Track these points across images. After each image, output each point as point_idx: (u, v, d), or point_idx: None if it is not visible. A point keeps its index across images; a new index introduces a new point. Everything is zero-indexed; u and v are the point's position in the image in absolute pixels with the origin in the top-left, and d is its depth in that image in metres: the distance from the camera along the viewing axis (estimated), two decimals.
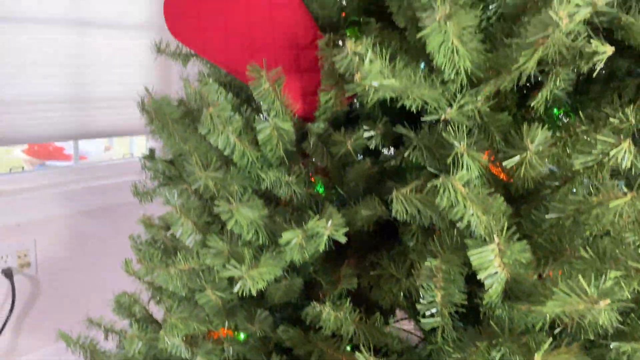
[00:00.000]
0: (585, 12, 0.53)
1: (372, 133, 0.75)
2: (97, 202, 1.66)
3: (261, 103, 0.77)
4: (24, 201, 1.53)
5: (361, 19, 0.94)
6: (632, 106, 0.61)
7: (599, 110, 0.70)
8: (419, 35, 0.52)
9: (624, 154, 0.53)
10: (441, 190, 0.52)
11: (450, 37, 0.52)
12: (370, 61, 0.52)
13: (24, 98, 1.47)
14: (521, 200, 0.66)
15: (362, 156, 0.81)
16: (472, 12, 0.66)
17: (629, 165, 0.54)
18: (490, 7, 0.70)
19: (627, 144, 0.53)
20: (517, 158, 0.56)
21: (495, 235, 0.49)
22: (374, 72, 0.51)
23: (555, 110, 0.79)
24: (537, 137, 0.55)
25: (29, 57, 1.45)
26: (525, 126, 0.56)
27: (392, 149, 0.86)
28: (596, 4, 0.53)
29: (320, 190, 0.89)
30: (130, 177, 1.75)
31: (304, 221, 0.74)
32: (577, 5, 0.52)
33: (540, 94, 0.65)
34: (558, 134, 0.65)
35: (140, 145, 2.11)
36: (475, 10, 0.69)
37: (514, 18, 0.63)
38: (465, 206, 0.52)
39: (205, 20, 0.82)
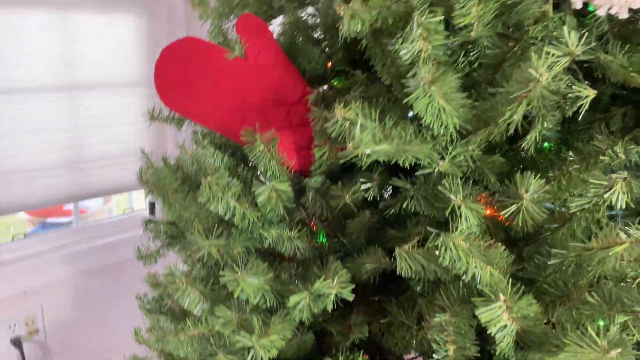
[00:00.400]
0: (564, 62, 0.55)
1: (369, 185, 0.76)
2: (100, 261, 1.66)
3: (258, 164, 0.78)
4: (28, 267, 1.53)
5: (347, 69, 0.96)
6: (620, 142, 0.62)
7: (588, 142, 0.71)
8: (404, 100, 0.53)
9: (617, 195, 0.54)
10: (442, 249, 0.53)
11: (436, 98, 0.54)
12: (361, 128, 0.54)
13: (22, 167, 1.48)
14: (523, 242, 0.67)
15: (361, 204, 0.82)
16: (455, 70, 0.68)
17: (623, 205, 0.55)
18: (472, 53, 0.72)
19: (619, 186, 0.54)
20: (513, 207, 0.57)
21: (500, 294, 0.49)
22: (365, 140, 0.52)
23: (545, 144, 0.80)
24: (532, 186, 0.56)
25: (23, 126, 1.47)
26: (518, 175, 0.57)
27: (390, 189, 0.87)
28: (574, 52, 0.55)
29: (324, 240, 0.90)
30: (132, 233, 1.76)
31: (310, 276, 0.75)
32: (557, 56, 0.54)
33: (529, 136, 0.66)
34: (551, 173, 0.66)
35: (140, 197, 2.12)
36: (457, 59, 0.72)
37: (494, 66, 0.65)
38: (467, 262, 0.53)
39: (195, 86, 0.84)
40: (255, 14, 0.93)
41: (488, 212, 0.71)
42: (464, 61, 0.73)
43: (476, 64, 0.71)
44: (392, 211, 0.77)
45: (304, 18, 0.97)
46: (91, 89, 1.58)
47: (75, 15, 1.50)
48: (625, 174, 0.74)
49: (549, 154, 0.79)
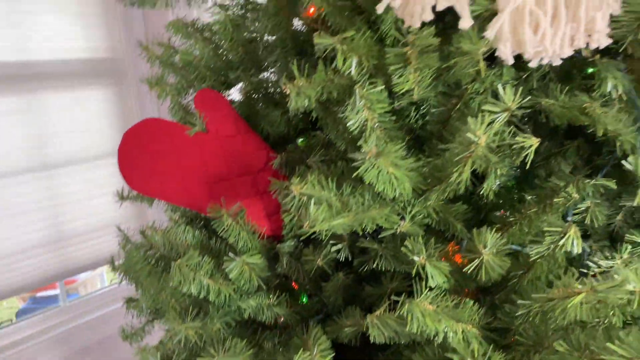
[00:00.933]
0: (503, 118, 0.57)
1: (339, 246, 0.76)
2: (92, 337, 1.63)
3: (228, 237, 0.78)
4: (18, 355, 1.50)
5: (309, 127, 0.98)
6: (572, 184, 0.63)
7: (547, 178, 0.73)
8: (353, 175, 0.55)
9: (572, 240, 0.55)
10: (409, 318, 0.53)
11: (384, 168, 0.55)
12: (316, 205, 0.55)
13: (3, 251, 1.47)
14: (494, 289, 0.68)
15: (336, 263, 0.83)
16: (407, 127, 0.70)
17: (579, 250, 0.56)
18: (422, 107, 0.74)
19: (573, 231, 0.55)
20: (475, 262, 0.58)
21: (468, 359, 0.50)
22: (321, 218, 0.53)
23: (508, 182, 0.82)
24: (489, 241, 0.57)
25: (1, 211, 1.47)
26: (475, 231, 0.58)
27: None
28: (511, 108, 0.57)
29: (305, 300, 0.90)
30: (121, 304, 1.73)
31: (293, 343, 0.74)
32: (495, 113, 0.56)
33: (485, 184, 0.68)
34: (512, 217, 0.68)
35: None
36: (409, 114, 0.74)
37: (442, 122, 0.67)
38: (436, 327, 0.53)
39: (160, 166, 0.85)
40: (212, 87, 0.95)
41: (458, 260, 0.72)
42: (415, 115, 0.75)
43: (427, 117, 0.73)
44: (366, 268, 0.78)
45: (261, 82, 0.99)
46: (66, 165, 1.58)
47: (44, 96, 1.52)
48: (588, 203, 0.76)
49: (512, 193, 0.81)
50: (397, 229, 0.63)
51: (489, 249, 0.57)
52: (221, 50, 1.02)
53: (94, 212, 1.64)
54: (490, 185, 0.67)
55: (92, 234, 1.64)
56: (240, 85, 1.00)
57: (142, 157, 0.84)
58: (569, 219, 0.75)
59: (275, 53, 0.97)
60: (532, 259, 0.60)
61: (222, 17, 0.89)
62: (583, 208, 0.75)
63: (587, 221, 0.75)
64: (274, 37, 0.99)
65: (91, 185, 1.64)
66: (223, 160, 0.87)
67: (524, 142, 0.59)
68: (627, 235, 0.76)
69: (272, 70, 1.00)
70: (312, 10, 0.82)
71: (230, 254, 0.72)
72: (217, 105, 0.90)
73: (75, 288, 3.38)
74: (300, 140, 1.00)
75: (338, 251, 0.77)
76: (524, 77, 0.72)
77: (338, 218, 0.55)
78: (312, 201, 0.54)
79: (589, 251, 0.76)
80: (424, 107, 0.74)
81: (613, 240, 0.82)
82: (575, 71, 0.76)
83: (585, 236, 0.80)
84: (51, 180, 1.55)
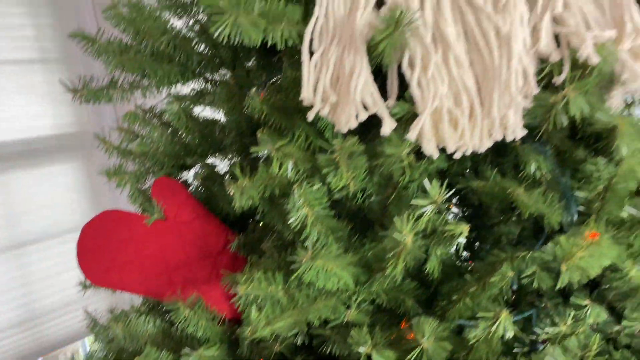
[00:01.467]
0: (431, 210, 0.60)
1: (296, 330, 0.78)
2: None
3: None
4: None
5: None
6: (507, 262, 0.66)
7: (492, 248, 0.77)
8: (292, 278, 0.57)
9: (504, 326, 0.58)
10: None
11: (323, 266, 0.58)
12: (258, 311, 0.57)
13: None
14: None
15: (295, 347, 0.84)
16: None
17: (511, 335, 0.59)
18: (367, 189, 0.78)
19: (504, 316, 0.58)
20: (417, 350, 0.60)
21: None
22: (263, 323, 0.56)
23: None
24: (426, 330, 0.59)
25: None
26: (414, 320, 0.61)
27: None
28: (437, 201, 0.60)
29: None
30: None
31: None
32: (422, 206, 0.60)
33: (428, 265, 0.71)
34: (455, 296, 0.70)
35: None
36: (356, 195, 0.77)
37: (380, 210, 0.70)
38: None
39: (118, 257, 0.87)
40: (170, 172, 0.98)
41: (412, 338, 0.74)
42: (362, 196, 0.78)
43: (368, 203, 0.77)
44: (324, 349, 0.80)
45: (218, 164, 1.02)
46: (36, 242, 1.58)
47: (11, 175, 1.54)
48: (534, 268, 0.79)
49: (459, 265, 0.84)
50: (343, 318, 0.66)
51: (428, 338, 0.59)
52: (179, 133, 1.06)
53: (66, 287, 1.64)
54: (433, 265, 0.71)
55: (66, 309, 1.63)
56: (197, 167, 1.03)
57: (100, 250, 0.86)
58: (514, 287, 0.78)
59: (231, 135, 1.01)
60: (470, 343, 0.62)
61: (175, 107, 0.93)
62: (529, 273, 0.79)
63: (535, 285, 0.79)
64: (229, 119, 1.03)
65: (63, 260, 1.64)
66: (181, 246, 0.89)
67: (453, 230, 0.63)
68: (572, 298, 0.79)
69: (229, 151, 1.03)
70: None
71: (187, 349, 0.73)
72: (174, 192, 0.92)
73: (55, 356, 3.29)
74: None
75: (295, 335, 0.79)
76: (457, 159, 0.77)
77: (281, 319, 0.58)
78: (253, 308, 0.56)
79: (537, 316, 0.79)
80: (368, 190, 0.77)
81: (566, 296, 0.85)
82: (508, 147, 0.81)
83: (539, 294, 0.83)
84: (21, 259, 1.55)
